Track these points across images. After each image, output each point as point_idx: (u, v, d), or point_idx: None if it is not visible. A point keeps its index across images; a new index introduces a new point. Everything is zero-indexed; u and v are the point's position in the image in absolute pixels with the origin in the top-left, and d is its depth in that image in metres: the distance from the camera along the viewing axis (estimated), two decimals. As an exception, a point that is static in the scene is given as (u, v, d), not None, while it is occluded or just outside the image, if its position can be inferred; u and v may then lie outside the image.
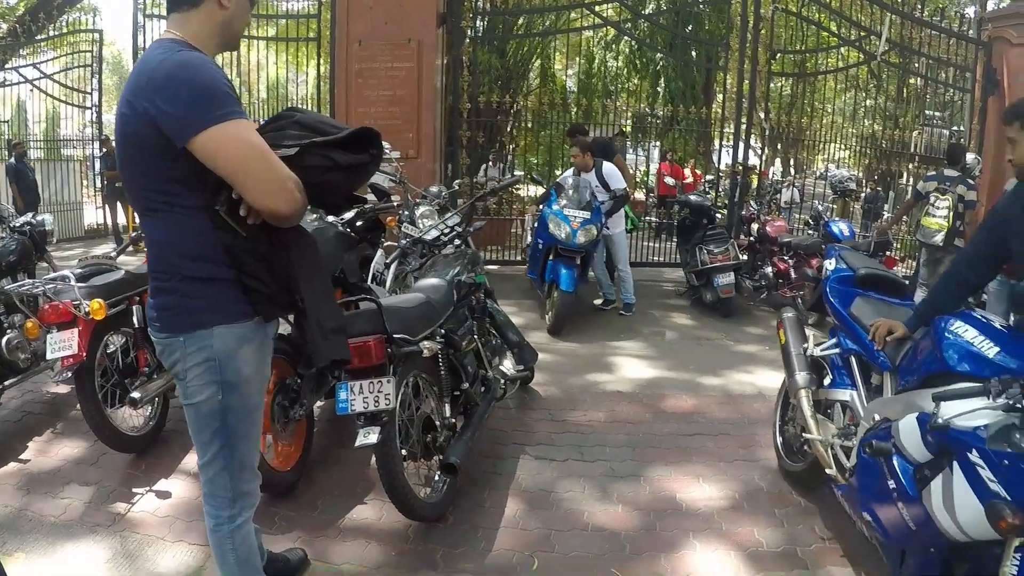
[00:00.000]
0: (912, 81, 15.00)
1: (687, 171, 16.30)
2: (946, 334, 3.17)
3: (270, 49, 12.21)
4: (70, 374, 4.24)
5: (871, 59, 11.77)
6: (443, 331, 4.14)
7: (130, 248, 6.28)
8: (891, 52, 11.68)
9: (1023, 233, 3.21)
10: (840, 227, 9.51)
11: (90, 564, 3.46)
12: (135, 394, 4.24)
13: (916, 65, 12.43)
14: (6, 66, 14.64)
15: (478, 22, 11.13)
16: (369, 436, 3.40)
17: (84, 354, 4.20)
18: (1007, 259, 3.30)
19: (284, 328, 3.42)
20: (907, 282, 4.75)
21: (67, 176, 15.02)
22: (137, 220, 2.73)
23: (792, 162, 25.74)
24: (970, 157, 9.44)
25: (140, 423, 4.61)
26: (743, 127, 11.03)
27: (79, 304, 4.22)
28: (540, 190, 10.10)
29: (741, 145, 11.13)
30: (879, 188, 15.28)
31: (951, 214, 8.17)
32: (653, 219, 13.55)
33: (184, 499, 4.01)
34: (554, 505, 4.19)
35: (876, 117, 14.36)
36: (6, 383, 4.71)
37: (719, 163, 13.54)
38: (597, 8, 11.11)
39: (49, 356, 4.26)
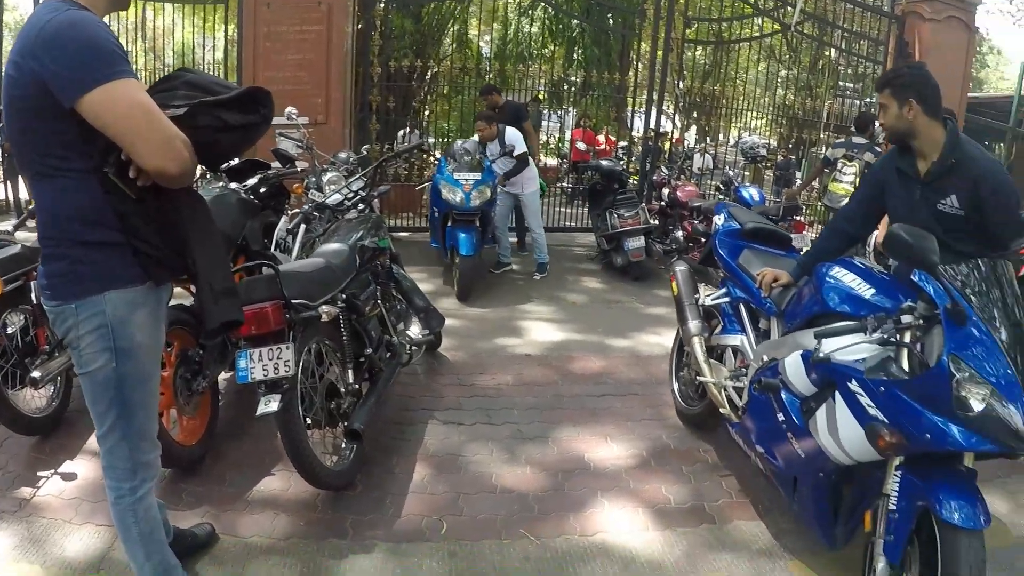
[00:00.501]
0: (827, 53, 15.25)
1: (601, 138, 16.34)
2: (827, 279, 3.44)
3: (178, 13, 11.84)
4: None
5: (786, 29, 11.93)
6: (344, 296, 4.07)
7: (29, 222, 6.03)
8: (806, 23, 11.86)
9: (897, 193, 3.58)
10: (750, 192, 9.65)
11: (-6, 553, 3.33)
12: (35, 373, 4.03)
13: (831, 37, 12.65)
14: None
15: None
16: (270, 404, 3.33)
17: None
18: (883, 215, 3.54)
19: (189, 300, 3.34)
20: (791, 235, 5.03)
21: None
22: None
23: (708, 129, 26.07)
24: (878, 125, 9.66)
25: (43, 404, 4.39)
26: (656, 94, 11.07)
27: (-27, 282, 4.01)
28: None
29: (654, 112, 11.17)
30: (792, 156, 15.53)
31: (858, 180, 8.37)
32: (567, 185, 13.58)
33: (90, 480, 3.86)
34: (462, 469, 4.20)
35: (791, 87, 14.58)
36: None
37: (633, 130, 13.60)
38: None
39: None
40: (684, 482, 4.22)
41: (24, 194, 13.02)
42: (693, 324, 4.57)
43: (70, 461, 4.08)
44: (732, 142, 15.59)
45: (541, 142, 14.66)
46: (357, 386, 4.14)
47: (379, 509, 3.75)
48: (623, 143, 14.77)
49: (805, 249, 4.33)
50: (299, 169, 5.94)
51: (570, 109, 17.86)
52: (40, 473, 3.96)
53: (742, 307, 4.37)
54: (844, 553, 3.34)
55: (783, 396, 3.40)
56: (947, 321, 2.67)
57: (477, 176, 7.72)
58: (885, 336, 2.83)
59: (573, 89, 15.18)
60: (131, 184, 2.27)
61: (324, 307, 3.70)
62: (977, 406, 2.53)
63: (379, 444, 4.34)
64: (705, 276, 5.39)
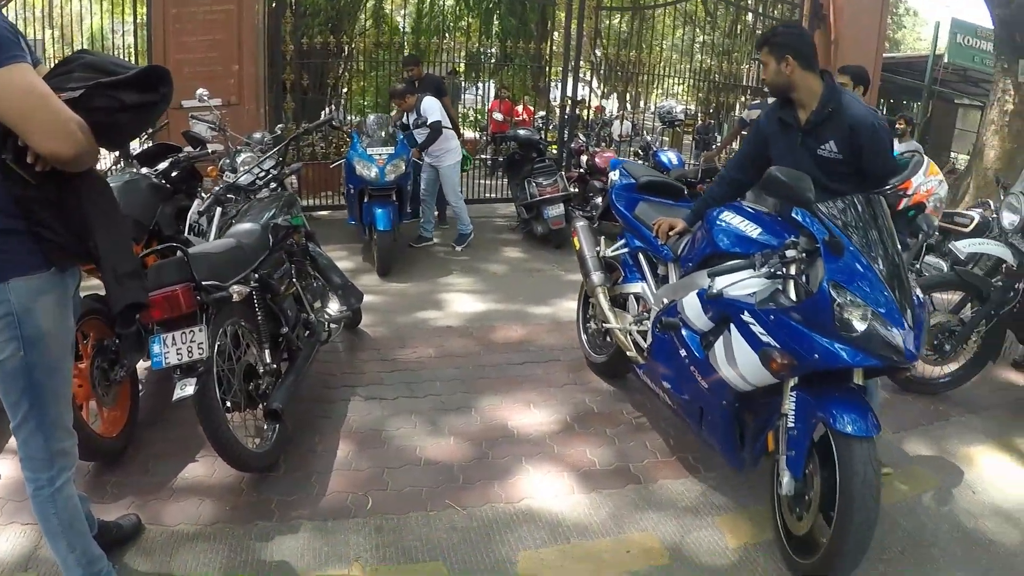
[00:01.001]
0: (744, 17, 15.42)
1: (519, 108, 16.34)
2: (717, 222, 3.73)
3: (88, -2, 11.47)
4: None
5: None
6: (257, 275, 4.03)
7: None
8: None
9: (780, 142, 3.84)
10: (668, 156, 9.73)
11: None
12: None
13: (747, 2, 12.77)
14: None
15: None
16: (186, 388, 3.30)
17: None
18: (768, 163, 3.69)
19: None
20: (685, 188, 5.31)
21: None
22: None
23: (628, 96, 26.21)
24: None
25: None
26: (572, 62, 11.08)
27: None
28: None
29: (570, 80, 11.20)
30: (712, 120, 15.72)
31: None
32: (486, 156, 13.58)
33: (14, 479, 3.72)
34: (386, 443, 4.20)
35: (710, 52, 14.72)
36: None
37: (552, 99, 13.62)
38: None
39: None
40: (608, 444, 4.29)
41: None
42: (596, 276, 4.85)
43: (-9, 461, 3.99)
44: (652, 108, 15.71)
45: (460, 115, 14.59)
46: (276, 366, 4.10)
47: (304, 488, 3.74)
48: (542, 112, 14.81)
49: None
50: (210, 151, 5.84)
51: (489, 81, 17.80)
52: (-39, 475, 3.86)
53: (641, 256, 4.67)
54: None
55: (684, 334, 3.71)
56: (826, 252, 2.96)
57: (391, 150, 7.67)
58: (772, 270, 3.10)
59: (491, 61, 15.11)
60: (29, 169, 2.24)
61: (235, 287, 3.65)
62: (860, 326, 2.84)
63: (302, 423, 4.32)
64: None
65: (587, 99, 13.31)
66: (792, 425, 3.11)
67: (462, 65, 14.30)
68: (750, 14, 14.07)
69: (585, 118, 12.82)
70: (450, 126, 8.85)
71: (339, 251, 8.07)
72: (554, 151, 11.26)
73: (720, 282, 3.27)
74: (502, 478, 3.89)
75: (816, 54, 3.77)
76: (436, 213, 9.50)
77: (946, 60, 17.50)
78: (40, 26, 9.92)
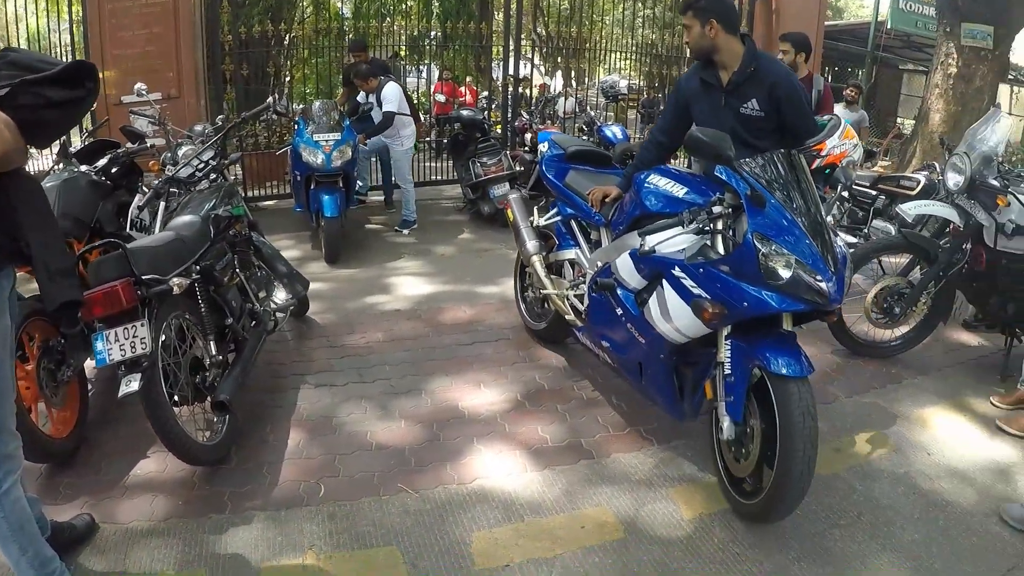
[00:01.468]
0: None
1: (463, 89, 16.27)
2: (645, 184, 3.85)
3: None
4: None
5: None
6: (199, 267, 4.00)
7: None
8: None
9: (703, 102, 4.03)
10: (613, 131, 9.78)
11: None
12: None
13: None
14: None
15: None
16: (131, 384, 3.28)
17: None
18: (691, 124, 3.91)
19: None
20: (610, 154, 5.53)
21: None
22: None
23: (573, 73, 26.20)
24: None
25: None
26: (513, 40, 11.05)
27: None
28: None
29: (512, 58, 11.17)
30: (657, 94, 15.74)
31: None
32: (431, 139, 13.53)
33: None
34: (337, 430, 4.21)
35: (654, 26, 14.74)
36: None
37: (495, 78, 13.57)
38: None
39: None
40: (560, 421, 4.33)
41: None
42: (531, 244, 4.99)
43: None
44: (597, 84, 15.70)
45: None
46: (222, 358, 4.08)
47: (256, 479, 3.73)
48: (485, 93, 14.77)
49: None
50: (149, 146, 5.78)
51: (431, 64, 17.71)
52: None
53: (573, 223, 4.80)
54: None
55: (619, 293, 3.83)
56: (748, 205, 3.10)
57: (337, 136, 7.61)
58: (699, 226, 3.25)
59: (434, 43, 15.00)
60: None
61: (176, 279, 3.62)
62: (784, 273, 2.99)
63: (252, 414, 4.31)
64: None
65: (530, 77, 13.24)
66: (729, 372, 3.27)
67: (403, 48, 14.22)
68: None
69: (529, 96, 12.77)
70: (408, 112, 8.86)
71: (287, 239, 8.03)
72: (498, 131, 11.26)
73: (651, 240, 3.37)
74: (454, 459, 3.92)
75: (737, 17, 3.95)
76: (383, 198, 9.47)
77: (889, 26, 17.74)
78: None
